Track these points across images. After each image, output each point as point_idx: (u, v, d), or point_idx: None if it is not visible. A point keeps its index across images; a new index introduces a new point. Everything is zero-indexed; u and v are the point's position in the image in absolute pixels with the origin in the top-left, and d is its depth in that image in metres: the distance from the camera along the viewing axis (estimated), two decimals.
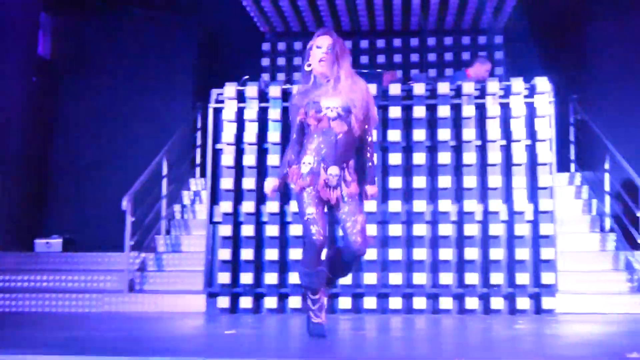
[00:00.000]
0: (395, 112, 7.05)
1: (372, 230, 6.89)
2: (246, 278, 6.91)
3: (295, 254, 6.88)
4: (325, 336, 4.82)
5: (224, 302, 6.91)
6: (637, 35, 9.16)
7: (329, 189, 4.71)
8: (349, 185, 4.76)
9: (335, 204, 4.76)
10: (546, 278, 6.74)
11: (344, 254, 4.82)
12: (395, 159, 6.97)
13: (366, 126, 4.86)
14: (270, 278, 6.90)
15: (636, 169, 7.38)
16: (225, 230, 7.03)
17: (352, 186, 4.78)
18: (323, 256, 4.84)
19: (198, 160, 9.23)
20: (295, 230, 6.94)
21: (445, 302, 6.77)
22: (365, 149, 4.92)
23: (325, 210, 4.81)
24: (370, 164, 4.95)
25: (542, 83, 7.04)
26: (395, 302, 6.78)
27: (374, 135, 5.28)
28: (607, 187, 8.08)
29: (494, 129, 6.94)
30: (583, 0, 9.42)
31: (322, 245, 4.70)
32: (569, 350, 4.46)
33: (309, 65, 4.83)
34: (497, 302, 6.72)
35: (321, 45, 4.77)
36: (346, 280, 6.77)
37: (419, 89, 7.09)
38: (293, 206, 6.98)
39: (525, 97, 7.08)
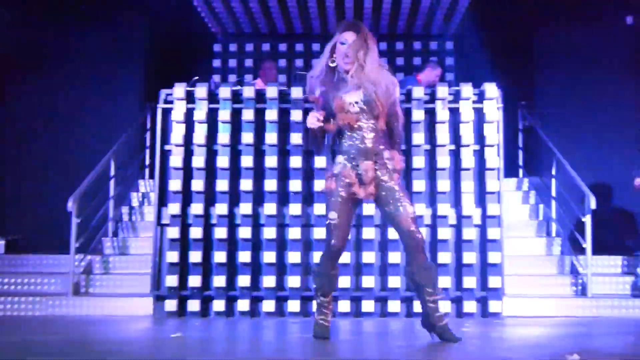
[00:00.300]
0: None
1: (320, 233, 6.89)
2: (194, 281, 6.83)
3: (244, 256, 6.84)
4: (328, 338, 4.88)
5: (171, 305, 6.82)
6: (583, 44, 9.33)
7: (363, 185, 4.68)
8: (389, 177, 4.73)
9: (378, 200, 4.74)
10: (493, 282, 6.80)
11: (408, 252, 4.77)
12: None
13: (392, 115, 4.82)
14: (219, 281, 6.83)
15: (581, 174, 7.50)
16: (173, 232, 6.94)
17: (394, 177, 4.75)
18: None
19: (147, 161, 9.11)
20: (245, 232, 6.89)
21: (394, 305, 6.79)
22: (395, 136, 4.89)
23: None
24: (397, 146, 4.91)
25: (491, 89, 7.10)
26: (344, 305, 6.78)
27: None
28: (553, 193, 8.21)
29: (443, 133, 6.98)
30: (532, 8, 9.56)
31: (339, 250, 4.74)
32: (513, 352, 4.51)
33: (333, 61, 4.79)
34: (444, 306, 6.75)
35: (345, 41, 4.73)
36: (294, 282, 6.76)
37: None
38: (243, 208, 6.93)
39: (474, 102, 7.13)
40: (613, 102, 9.32)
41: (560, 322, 6.41)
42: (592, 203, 7.08)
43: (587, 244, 7.14)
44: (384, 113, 4.74)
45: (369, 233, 6.90)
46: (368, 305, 6.79)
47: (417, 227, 4.71)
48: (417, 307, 6.67)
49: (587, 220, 7.17)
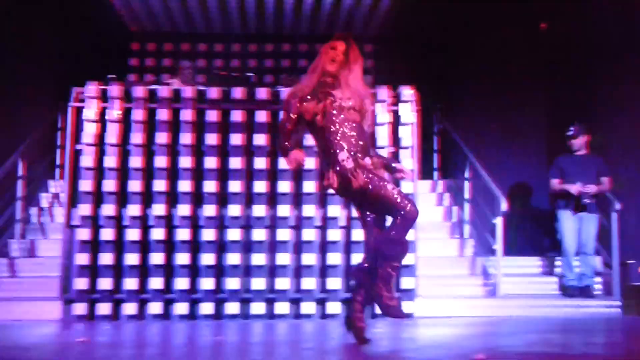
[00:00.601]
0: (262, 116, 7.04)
1: (235, 235, 6.84)
2: (105, 283, 6.70)
3: (157, 258, 6.73)
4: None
5: (80, 308, 6.66)
6: (497, 50, 9.52)
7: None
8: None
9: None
10: (406, 283, 6.85)
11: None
12: (260, 162, 6.95)
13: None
14: (131, 283, 6.71)
15: (494, 177, 7.65)
16: (84, 234, 6.78)
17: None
18: None
19: (59, 161, 8.87)
20: (158, 234, 6.79)
21: (308, 307, 6.79)
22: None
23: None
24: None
25: (407, 92, 7.17)
26: (259, 307, 6.76)
27: None
28: (467, 195, 8.35)
29: None
30: (450, 13, 9.71)
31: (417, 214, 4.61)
32: (419, 353, 4.54)
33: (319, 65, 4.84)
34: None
35: (336, 47, 4.80)
36: (208, 285, 6.69)
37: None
38: (156, 209, 6.82)
39: (391, 105, 7.18)
40: (524, 107, 9.55)
41: (470, 322, 6.50)
42: (503, 205, 7.22)
43: (498, 245, 7.28)
44: (368, 113, 4.82)
45: (283, 234, 6.89)
46: (282, 307, 6.78)
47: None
48: (330, 309, 6.72)
49: (498, 222, 7.32)
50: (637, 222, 7.80)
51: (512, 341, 5.15)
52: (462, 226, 8.22)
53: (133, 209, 6.82)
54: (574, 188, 7.50)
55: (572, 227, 7.57)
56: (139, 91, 7.02)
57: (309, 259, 6.84)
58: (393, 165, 4.94)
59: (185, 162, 6.90)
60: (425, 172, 8.81)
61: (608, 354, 4.21)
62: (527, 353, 4.27)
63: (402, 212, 4.55)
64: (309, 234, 6.89)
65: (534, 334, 5.64)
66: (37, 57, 9.09)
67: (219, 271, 6.80)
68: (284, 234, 6.88)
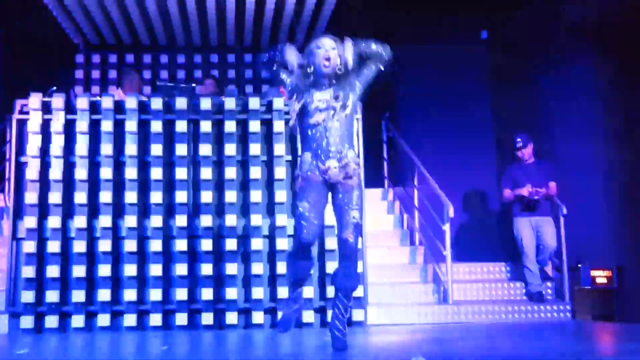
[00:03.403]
0: (206, 126, 7.01)
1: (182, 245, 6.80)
2: (52, 296, 6.61)
3: (105, 270, 6.66)
4: (288, 329, 4.97)
5: (27, 321, 6.57)
6: (441, 57, 9.67)
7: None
8: (349, 177, 4.79)
9: (334, 198, 4.84)
10: (356, 291, 6.85)
11: (339, 256, 4.98)
12: (206, 173, 6.93)
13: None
14: (78, 296, 6.63)
15: (440, 184, 7.74)
16: (29, 246, 6.69)
17: (354, 179, 4.82)
18: None
19: (7, 174, 8.68)
20: (104, 245, 6.72)
21: (258, 317, 6.79)
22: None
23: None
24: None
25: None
26: (207, 318, 6.73)
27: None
28: (416, 203, 8.43)
29: None
30: (391, 24, 9.82)
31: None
32: (362, 357, 4.54)
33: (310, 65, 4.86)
34: (308, 316, 6.80)
35: (322, 45, 4.83)
36: (156, 296, 6.65)
37: (230, 103, 7.07)
38: (103, 221, 6.75)
39: None
40: (471, 114, 9.70)
41: (421, 328, 6.55)
42: (451, 212, 7.30)
43: (447, 252, 7.34)
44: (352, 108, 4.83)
45: (231, 244, 6.87)
46: (232, 317, 6.76)
47: (354, 235, 4.80)
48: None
49: (447, 228, 7.39)
50: (581, 226, 7.96)
51: (458, 347, 5.19)
52: (413, 233, 8.30)
53: (79, 221, 6.74)
54: (525, 190, 7.68)
55: (530, 233, 7.72)
56: (81, 102, 6.95)
57: (258, 268, 6.83)
58: None
59: (130, 173, 6.85)
60: (376, 180, 8.89)
61: (555, 357, 4.27)
62: (472, 357, 4.31)
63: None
64: (257, 243, 6.88)
65: (482, 339, 5.70)
66: None
67: (167, 282, 6.77)
68: (231, 244, 6.85)
